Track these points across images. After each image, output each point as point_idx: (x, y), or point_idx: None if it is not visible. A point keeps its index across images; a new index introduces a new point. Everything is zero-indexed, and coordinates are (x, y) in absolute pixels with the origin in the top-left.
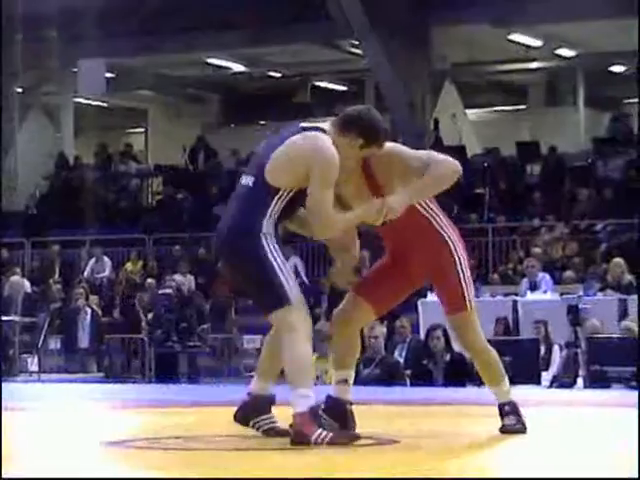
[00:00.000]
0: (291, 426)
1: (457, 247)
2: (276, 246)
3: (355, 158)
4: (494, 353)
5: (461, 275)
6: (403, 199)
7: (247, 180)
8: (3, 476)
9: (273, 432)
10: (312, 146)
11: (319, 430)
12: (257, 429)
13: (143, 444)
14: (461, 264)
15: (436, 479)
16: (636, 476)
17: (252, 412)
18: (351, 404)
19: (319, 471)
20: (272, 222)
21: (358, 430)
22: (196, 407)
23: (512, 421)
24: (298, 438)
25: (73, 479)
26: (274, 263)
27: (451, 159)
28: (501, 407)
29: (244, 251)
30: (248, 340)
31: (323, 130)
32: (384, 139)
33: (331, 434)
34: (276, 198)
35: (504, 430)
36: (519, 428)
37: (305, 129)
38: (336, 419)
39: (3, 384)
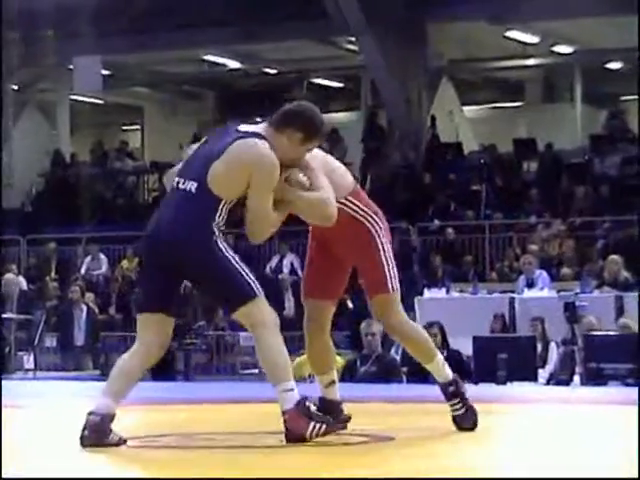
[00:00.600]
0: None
1: (377, 230)
2: (226, 244)
3: (296, 155)
4: (421, 330)
5: (382, 256)
6: (294, 195)
7: (189, 185)
8: (3, 476)
9: None
10: (252, 156)
11: (312, 423)
12: None
13: (139, 442)
14: (382, 245)
15: (433, 479)
16: (636, 476)
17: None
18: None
19: (313, 469)
20: (218, 225)
21: (354, 427)
22: (192, 405)
23: (460, 410)
24: (293, 436)
25: (71, 479)
26: (232, 261)
27: (333, 207)
28: (444, 389)
29: (203, 257)
30: (244, 338)
31: (259, 135)
32: (323, 132)
33: (325, 425)
34: (221, 204)
35: (456, 423)
36: (469, 421)
37: (242, 136)
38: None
39: None
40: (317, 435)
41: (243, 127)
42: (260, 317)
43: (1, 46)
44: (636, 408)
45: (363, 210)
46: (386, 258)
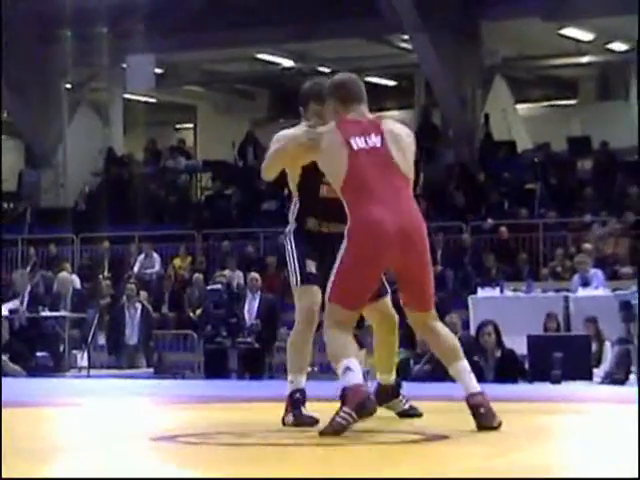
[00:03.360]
0: None
1: (349, 229)
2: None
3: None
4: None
5: (341, 255)
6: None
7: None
8: (3, 476)
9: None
10: None
11: (288, 415)
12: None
13: (193, 439)
14: (345, 245)
15: (487, 479)
16: (636, 476)
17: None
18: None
19: (367, 465)
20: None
21: (410, 427)
22: (247, 403)
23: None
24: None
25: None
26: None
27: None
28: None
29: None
30: None
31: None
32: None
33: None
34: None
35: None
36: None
37: None
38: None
39: (54, 380)
40: (288, 424)
41: None
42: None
43: (1, 45)
44: None
45: (346, 206)
46: (337, 268)
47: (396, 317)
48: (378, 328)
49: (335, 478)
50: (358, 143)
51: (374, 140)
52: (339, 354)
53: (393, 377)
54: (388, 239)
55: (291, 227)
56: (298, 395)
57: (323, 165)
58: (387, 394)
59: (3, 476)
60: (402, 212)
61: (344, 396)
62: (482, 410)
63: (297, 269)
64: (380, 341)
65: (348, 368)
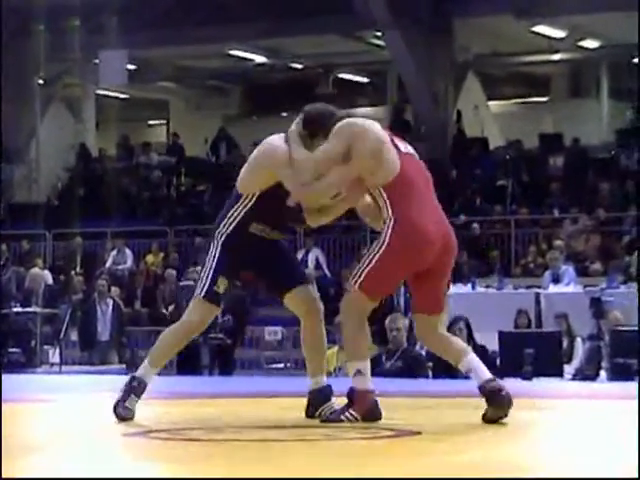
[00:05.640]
0: None
1: (388, 229)
2: None
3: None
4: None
5: (374, 255)
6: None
7: None
8: (3, 476)
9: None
10: None
11: None
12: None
13: (165, 435)
14: (381, 245)
15: (461, 479)
16: (636, 476)
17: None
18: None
19: (334, 462)
20: None
21: (380, 422)
22: (219, 399)
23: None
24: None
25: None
26: None
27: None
28: None
29: None
30: (269, 332)
31: None
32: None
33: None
34: None
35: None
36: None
37: None
38: None
39: (25, 376)
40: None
41: None
42: None
43: (1, 44)
44: None
45: (386, 205)
46: (372, 255)
47: (322, 306)
48: (305, 318)
49: (305, 478)
50: (401, 147)
51: (409, 148)
52: (357, 353)
53: (325, 378)
54: (434, 243)
55: (227, 228)
56: (135, 383)
57: (367, 159)
58: (320, 399)
59: (3, 476)
60: (443, 218)
61: (352, 398)
62: (504, 392)
63: (207, 281)
64: (309, 337)
65: (360, 371)
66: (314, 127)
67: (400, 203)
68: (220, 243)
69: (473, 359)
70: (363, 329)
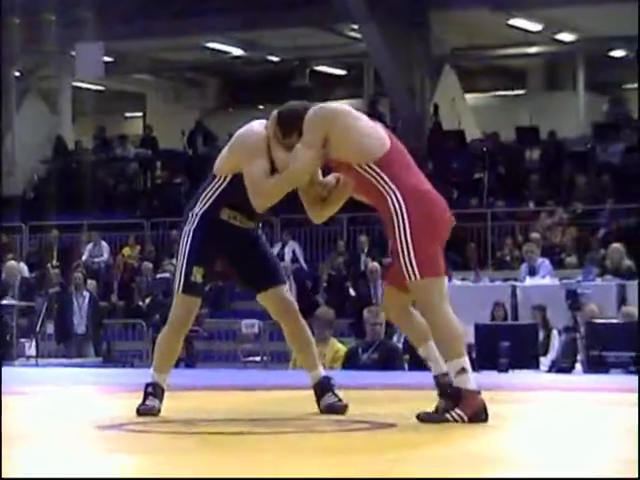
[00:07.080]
0: None
1: (398, 208)
2: None
3: None
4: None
5: (400, 239)
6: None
7: None
8: (3, 476)
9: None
10: None
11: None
12: None
13: (140, 428)
14: (402, 226)
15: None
16: (636, 476)
17: None
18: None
19: (308, 453)
20: None
21: (355, 414)
22: (193, 391)
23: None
24: None
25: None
26: None
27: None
28: None
29: None
30: (246, 325)
31: None
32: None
33: None
34: None
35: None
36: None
37: None
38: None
39: (1, 368)
40: None
41: None
42: None
43: (0, 40)
44: (636, 395)
45: (385, 181)
46: (405, 241)
47: (296, 306)
48: (284, 319)
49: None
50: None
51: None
52: (456, 348)
53: (321, 370)
54: (444, 206)
55: (200, 209)
56: (150, 389)
57: (345, 140)
58: (318, 392)
59: (3, 476)
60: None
61: (458, 398)
62: (450, 391)
63: (182, 274)
64: (292, 334)
65: (464, 369)
66: (288, 127)
67: (399, 177)
68: (191, 229)
69: (434, 348)
70: (457, 323)
